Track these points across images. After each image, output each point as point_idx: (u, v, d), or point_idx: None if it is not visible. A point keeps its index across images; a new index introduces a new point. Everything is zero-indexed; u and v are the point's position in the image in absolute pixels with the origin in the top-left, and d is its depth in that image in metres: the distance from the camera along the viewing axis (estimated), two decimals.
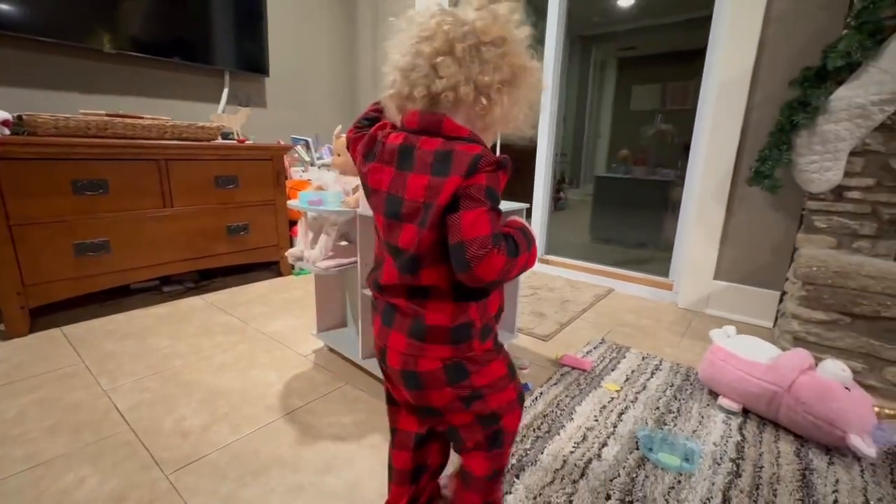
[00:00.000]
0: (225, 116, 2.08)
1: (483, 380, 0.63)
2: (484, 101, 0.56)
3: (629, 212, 3.38)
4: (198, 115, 2.27)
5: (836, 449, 1.01)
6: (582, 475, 0.91)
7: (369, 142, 0.63)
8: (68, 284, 1.58)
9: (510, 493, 0.86)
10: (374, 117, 0.71)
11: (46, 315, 1.65)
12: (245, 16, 2.32)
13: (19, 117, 1.48)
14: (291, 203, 1.24)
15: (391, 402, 0.75)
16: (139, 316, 1.71)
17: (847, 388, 1.02)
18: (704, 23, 1.84)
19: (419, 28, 0.57)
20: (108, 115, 1.66)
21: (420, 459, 0.74)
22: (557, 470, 0.92)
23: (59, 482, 0.87)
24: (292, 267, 2.30)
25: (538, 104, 0.63)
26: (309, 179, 2.40)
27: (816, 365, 1.09)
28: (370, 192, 0.63)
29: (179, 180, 1.81)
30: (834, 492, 0.89)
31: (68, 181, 1.53)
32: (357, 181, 1.24)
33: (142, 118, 1.74)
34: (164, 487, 0.87)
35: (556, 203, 3.45)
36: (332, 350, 1.44)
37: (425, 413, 0.69)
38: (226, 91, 2.37)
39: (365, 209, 1.13)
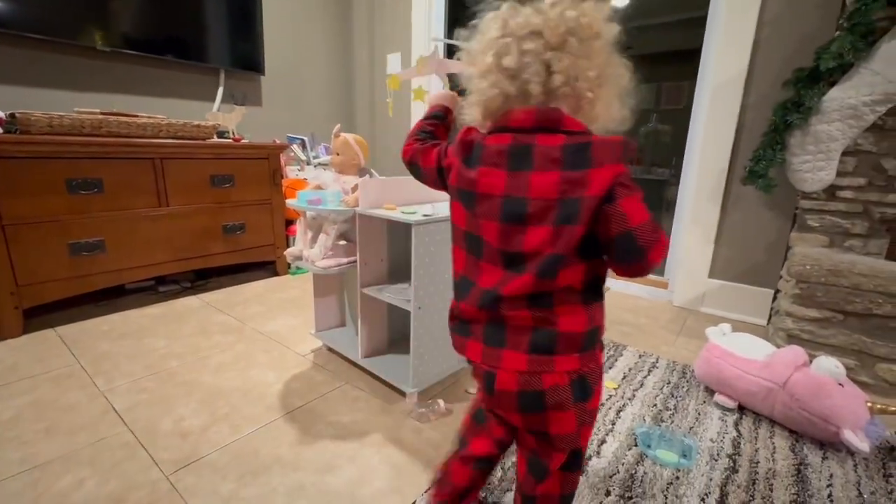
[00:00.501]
0: (220, 115, 2.07)
1: (597, 401, 0.60)
2: (590, 94, 0.55)
3: None
4: (193, 113, 2.25)
5: (830, 444, 1.02)
6: (582, 472, 0.92)
7: (466, 147, 0.59)
8: (62, 285, 1.56)
9: (511, 490, 0.86)
10: (431, 130, 0.72)
11: (40, 316, 1.63)
12: (239, 13, 2.31)
13: (12, 115, 1.46)
14: (291, 202, 1.24)
15: (479, 419, 0.68)
16: (135, 316, 1.69)
17: (840, 384, 1.04)
18: (700, 23, 1.85)
19: (519, 27, 0.55)
20: (102, 113, 1.64)
21: (476, 480, 0.69)
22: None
23: (56, 484, 0.87)
24: (289, 266, 2.29)
25: (628, 99, 0.61)
26: (305, 178, 2.39)
27: (810, 362, 1.10)
28: (478, 199, 0.57)
29: (175, 179, 1.80)
30: (828, 486, 0.91)
31: (62, 180, 1.52)
32: (356, 180, 1.24)
33: (137, 116, 1.72)
34: (165, 488, 0.86)
35: None
36: (330, 350, 1.44)
37: (538, 437, 0.62)
38: (221, 89, 2.36)
39: (365, 208, 1.13)
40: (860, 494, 0.89)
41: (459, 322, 0.61)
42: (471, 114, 0.62)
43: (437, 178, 0.65)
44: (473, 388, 1.23)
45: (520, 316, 0.55)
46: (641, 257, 0.51)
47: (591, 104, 0.56)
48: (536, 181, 0.53)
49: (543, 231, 0.53)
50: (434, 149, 0.66)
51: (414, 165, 0.69)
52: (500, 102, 0.57)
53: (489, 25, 0.58)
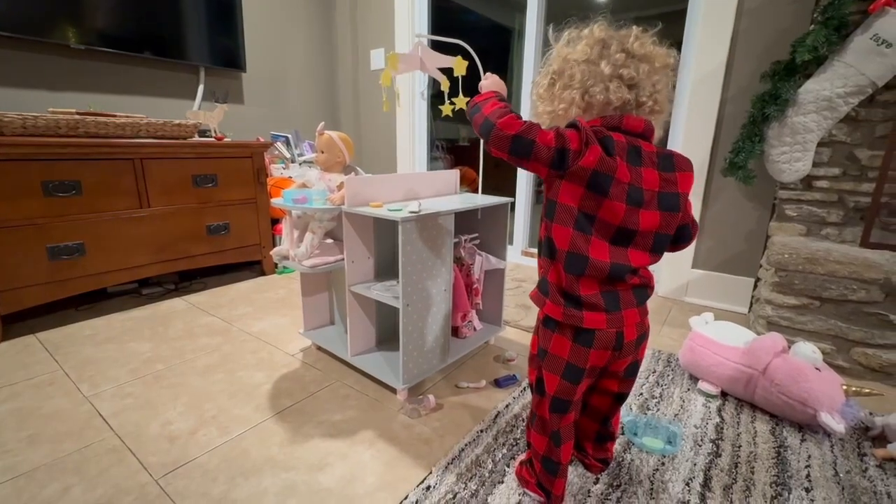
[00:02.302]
0: (201, 113, 2.04)
1: None
2: (664, 115, 0.74)
3: None
4: (173, 112, 2.21)
5: (809, 426, 1.06)
6: (571, 463, 0.94)
7: (601, 138, 0.67)
8: (42, 289, 1.53)
9: (502, 482, 0.88)
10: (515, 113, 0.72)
11: (20, 321, 1.60)
12: (219, 9, 2.26)
13: None
14: (276, 201, 1.23)
15: (562, 409, 0.77)
16: (118, 320, 1.67)
17: (818, 368, 1.07)
18: (680, 17, 1.87)
19: (634, 49, 0.69)
20: (78, 113, 1.60)
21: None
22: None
23: (42, 493, 0.85)
24: (276, 266, 2.27)
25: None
26: (290, 177, 2.37)
27: (789, 348, 1.14)
28: (614, 183, 0.65)
29: (156, 180, 1.76)
30: (807, 467, 0.94)
31: (39, 182, 1.48)
32: (341, 178, 1.24)
33: (115, 116, 1.68)
34: (155, 492, 0.86)
35: (539, 196, 3.48)
36: (319, 348, 1.43)
37: (629, 370, 0.80)
38: (201, 87, 2.32)
39: (351, 206, 1.12)
40: (836, 473, 0.92)
41: (579, 299, 0.70)
42: (570, 107, 0.72)
43: (554, 157, 0.66)
44: (464, 382, 1.24)
45: (633, 282, 0.71)
46: (690, 241, 0.78)
47: (658, 121, 0.73)
48: (647, 176, 0.67)
49: (655, 216, 0.68)
50: (548, 129, 0.68)
51: (524, 140, 0.67)
52: (615, 106, 0.69)
53: (600, 37, 0.70)
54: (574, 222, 0.68)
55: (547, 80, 0.75)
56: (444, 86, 1.40)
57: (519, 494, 0.85)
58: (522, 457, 0.92)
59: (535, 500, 0.83)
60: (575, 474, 0.90)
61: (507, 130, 0.67)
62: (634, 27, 0.71)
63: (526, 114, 2.40)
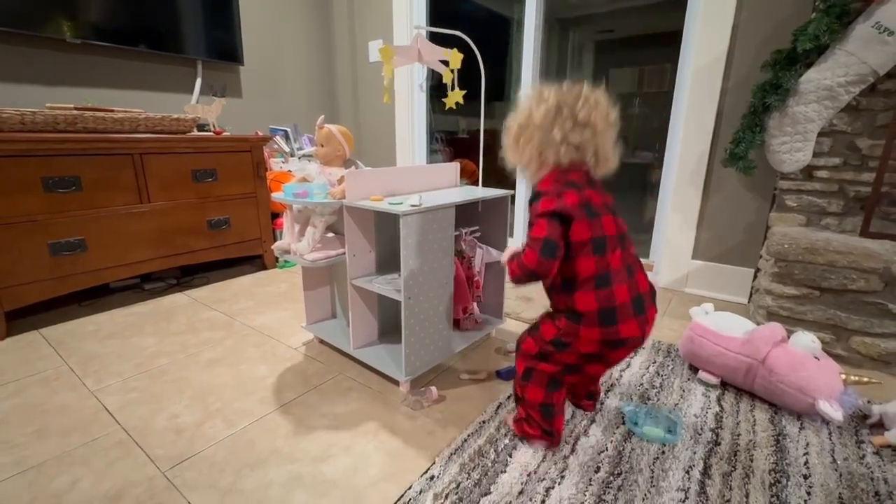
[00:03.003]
0: (199, 107, 2.02)
1: None
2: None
3: (609, 194, 3.42)
4: (171, 106, 2.20)
5: (807, 415, 1.07)
6: (572, 451, 0.95)
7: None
8: (44, 286, 1.53)
9: (505, 471, 0.89)
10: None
11: (23, 318, 1.60)
12: (215, 1, 2.24)
13: None
14: (277, 196, 1.23)
15: (554, 385, 0.91)
16: (121, 315, 1.67)
17: (817, 357, 1.08)
18: (680, 5, 1.86)
19: (580, 116, 0.82)
20: (76, 108, 1.60)
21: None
22: (549, 447, 0.96)
23: (52, 485, 0.87)
24: (276, 260, 2.27)
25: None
26: (290, 171, 2.36)
27: (788, 337, 1.15)
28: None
29: (155, 175, 1.76)
30: (805, 454, 0.95)
31: (38, 179, 1.48)
32: (342, 171, 1.24)
33: (113, 111, 1.68)
34: (162, 484, 0.87)
35: None
36: (322, 341, 1.44)
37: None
38: (199, 81, 2.30)
39: (352, 200, 1.12)
40: (834, 461, 0.93)
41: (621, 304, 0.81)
42: (530, 162, 0.87)
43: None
44: (466, 374, 1.25)
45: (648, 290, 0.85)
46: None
47: (602, 171, 0.88)
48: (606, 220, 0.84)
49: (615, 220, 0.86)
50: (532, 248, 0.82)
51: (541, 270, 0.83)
52: (564, 164, 0.84)
53: (554, 103, 0.82)
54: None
55: (514, 132, 0.88)
56: (447, 77, 1.39)
57: (521, 484, 0.86)
58: (515, 415, 1.00)
59: (542, 446, 0.95)
60: (576, 463, 0.92)
61: (531, 262, 0.81)
62: (584, 88, 0.84)
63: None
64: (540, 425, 0.93)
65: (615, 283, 0.80)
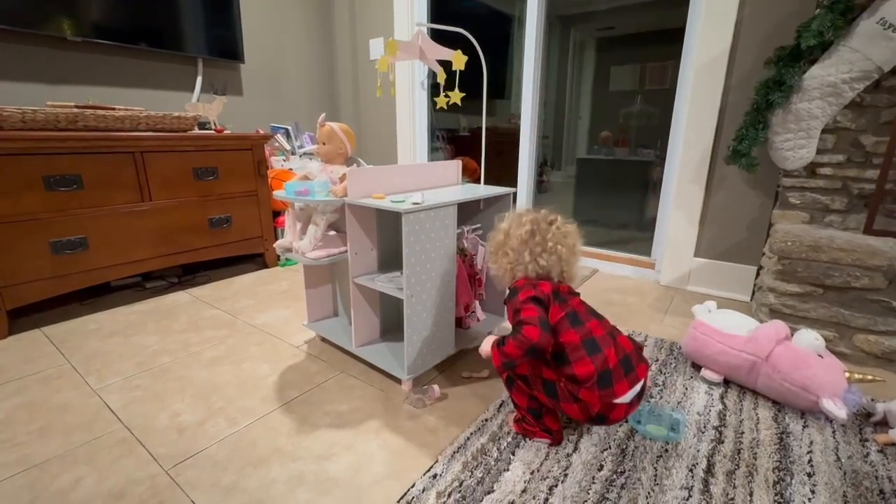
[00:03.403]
0: (200, 105, 2.02)
1: None
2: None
3: (611, 193, 3.43)
4: (172, 104, 2.20)
5: (811, 413, 1.07)
6: (575, 449, 0.95)
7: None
8: (46, 284, 1.53)
9: (508, 470, 0.89)
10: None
11: (25, 316, 1.61)
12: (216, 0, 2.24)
13: None
14: (278, 194, 1.22)
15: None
16: (123, 313, 1.67)
17: (820, 355, 1.08)
18: (682, 2, 1.85)
19: (549, 246, 0.95)
20: (77, 106, 1.59)
21: None
22: (551, 445, 0.96)
23: (55, 483, 0.87)
24: (278, 258, 2.27)
25: None
26: (291, 169, 2.36)
27: (792, 335, 1.14)
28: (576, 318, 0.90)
29: (157, 173, 1.76)
30: (808, 452, 0.95)
31: (39, 177, 1.48)
32: (343, 169, 1.23)
33: (114, 109, 1.67)
34: (165, 482, 0.87)
35: (540, 187, 3.48)
36: (324, 340, 1.44)
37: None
38: (199, 79, 2.30)
39: (353, 198, 1.12)
40: (838, 458, 0.93)
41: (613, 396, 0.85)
42: (505, 274, 0.99)
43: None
44: (468, 372, 1.25)
45: (633, 350, 0.90)
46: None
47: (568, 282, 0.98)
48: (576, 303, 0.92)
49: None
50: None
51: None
52: (533, 277, 0.95)
53: (529, 228, 0.96)
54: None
55: (495, 244, 1.01)
56: (440, 77, 1.39)
57: (524, 482, 0.86)
58: (516, 415, 1.02)
59: (540, 444, 0.97)
60: (579, 461, 0.91)
61: (533, 336, 0.85)
62: (559, 219, 0.98)
63: (528, 109, 2.39)
64: (535, 424, 0.96)
65: (604, 347, 0.85)
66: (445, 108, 1.39)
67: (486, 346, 0.92)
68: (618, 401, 0.84)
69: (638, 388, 0.87)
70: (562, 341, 0.85)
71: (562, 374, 0.86)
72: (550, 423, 0.95)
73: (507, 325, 0.98)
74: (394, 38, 2.65)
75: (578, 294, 0.95)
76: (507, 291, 0.96)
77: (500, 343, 0.87)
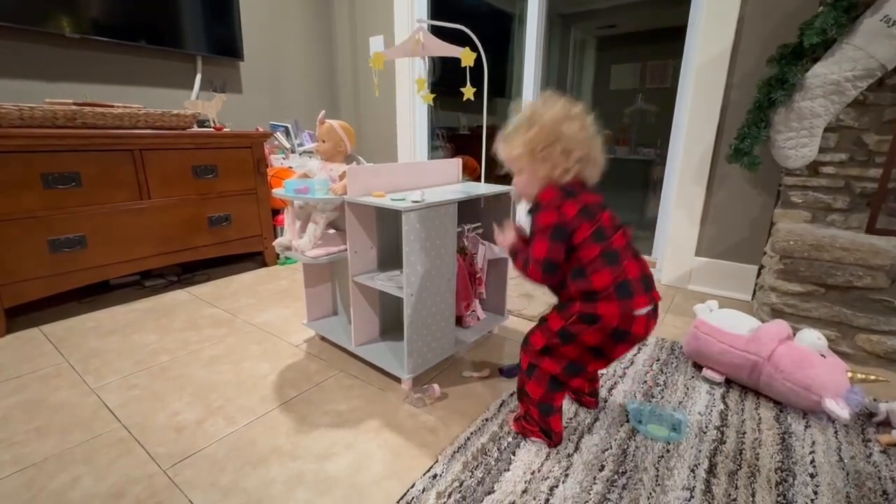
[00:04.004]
0: (199, 103, 2.01)
1: None
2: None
3: (611, 192, 3.41)
4: (171, 102, 2.19)
5: (813, 413, 1.06)
6: (576, 449, 0.94)
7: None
8: (44, 282, 1.53)
9: (508, 470, 0.88)
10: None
11: (23, 315, 1.60)
12: None
13: None
14: (278, 192, 1.22)
15: (597, 356, 0.88)
16: (122, 312, 1.67)
17: (823, 355, 1.07)
18: (684, 0, 1.84)
19: (589, 130, 0.85)
20: (75, 103, 1.58)
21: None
22: (549, 447, 0.95)
23: (52, 483, 0.86)
24: (277, 256, 2.27)
25: None
26: (291, 167, 2.35)
27: (794, 335, 1.14)
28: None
29: (155, 171, 1.75)
30: (811, 453, 0.94)
31: (37, 175, 1.47)
32: (343, 167, 1.23)
33: (112, 106, 1.66)
34: (163, 482, 0.86)
35: None
36: (323, 339, 1.43)
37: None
38: (199, 76, 2.29)
39: (353, 196, 1.11)
40: (840, 459, 0.93)
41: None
42: (542, 181, 0.86)
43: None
44: (469, 371, 1.25)
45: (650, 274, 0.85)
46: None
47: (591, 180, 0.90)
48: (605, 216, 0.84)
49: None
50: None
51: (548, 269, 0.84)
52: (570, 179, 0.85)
53: (575, 126, 0.83)
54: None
55: (528, 145, 0.84)
56: (420, 82, 1.39)
57: (525, 483, 0.85)
58: (517, 413, 1.01)
59: (540, 444, 0.95)
60: (580, 462, 0.91)
61: (534, 277, 0.84)
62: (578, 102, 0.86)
63: (529, 104, 2.38)
64: (538, 423, 0.94)
65: (623, 259, 0.81)
66: (432, 103, 1.40)
67: (506, 243, 0.92)
68: (637, 312, 0.80)
69: (655, 306, 0.84)
70: (580, 256, 0.81)
71: (578, 291, 0.82)
72: (555, 424, 0.93)
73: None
74: (393, 36, 2.64)
75: (607, 207, 0.86)
76: (532, 203, 0.87)
77: (512, 252, 0.90)
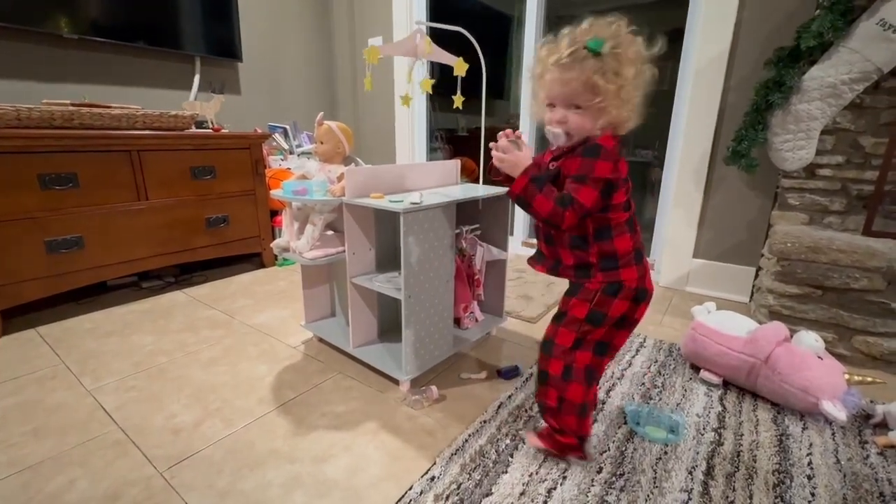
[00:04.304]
0: (197, 104, 2.01)
1: None
2: None
3: None
4: (169, 103, 2.19)
5: (810, 415, 1.06)
6: None
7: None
8: (41, 283, 1.52)
9: (506, 472, 0.88)
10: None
11: (20, 316, 1.59)
12: None
13: None
14: (276, 193, 1.21)
15: (621, 326, 0.85)
16: (119, 313, 1.66)
17: (820, 357, 1.07)
18: (682, 3, 1.85)
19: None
20: (73, 104, 1.58)
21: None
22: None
23: (48, 485, 0.85)
24: (275, 258, 2.26)
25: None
26: (289, 168, 2.35)
27: (791, 337, 1.14)
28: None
29: (153, 172, 1.75)
30: (808, 454, 0.95)
31: (34, 175, 1.46)
32: (341, 169, 1.23)
33: (110, 107, 1.66)
34: (160, 485, 0.86)
35: None
36: (321, 340, 1.43)
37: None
38: (197, 77, 2.29)
39: (352, 197, 1.11)
40: (838, 461, 0.93)
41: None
42: (601, 123, 0.76)
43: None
44: (467, 373, 1.24)
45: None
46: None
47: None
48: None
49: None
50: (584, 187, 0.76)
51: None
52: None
53: (636, 61, 0.73)
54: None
55: (628, 78, 0.72)
56: (425, 84, 1.39)
57: (523, 485, 0.85)
58: (542, 430, 0.94)
59: (578, 459, 0.91)
60: (578, 465, 0.91)
61: (569, 223, 0.75)
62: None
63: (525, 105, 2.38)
64: (575, 433, 0.87)
65: (637, 228, 0.83)
66: (407, 105, 1.40)
67: (520, 161, 0.78)
68: (650, 273, 0.83)
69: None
70: (609, 216, 0.78)
71: (599, 254, 0.80)
72: (589, 427, 0.89)
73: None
74: (392, 37, 2.64)
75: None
76: (589, 142, 0.75)
77: (534, 179, 0.75)
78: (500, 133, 0.84)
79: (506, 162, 0.81)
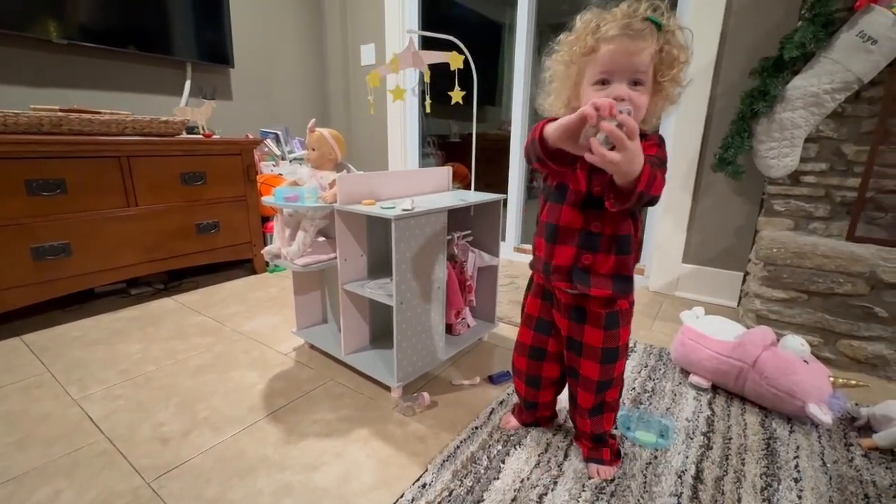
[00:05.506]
0: (189, 110, 2.00)
1: None
2: None
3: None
4: (159, 108, 2.17)
5: (797, 418, 1.08)
6: (565, 457, 0.95)
7: None
8: (27, 291, 1.50)
9: (498, 478, 0.88)
10: None
11: (5, 324, 1.56)
12: (205, 2, 2.22)
13: None
14: (267, 199, 1.21)
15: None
16: (107, 320, 1.64)
17: (806, 361, 1.09)
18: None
19: None
20: (61, 110, 1.57)
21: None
22: (542, 454, 0.96)
23: (33, 497, 0.84)
24: (267, 264, 2.25)
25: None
26: (281, 174, 2.34)
27: (778, 341, 1.16)
28: None
29: (143, 178, 1.73)
30: (795, 457, 0.96)
31: (21, 181, 1.45)
32: (333, 175, 1.23)
33: (100, 113, 1.65)
34: (147, 495, 0.85)
35: (530, 192, 3.50)
36: (313, 347, 1.43)
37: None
38: (188, 83, 2.28)
39: (343, 204, 1.11)
40: (824, 463, 0.94)
41: None
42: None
43: None
44: (459, 379, 1.25)
45: None
46: None
47: None
48: None
49: None
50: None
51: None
52: None
53: (684, 48, 0.71)
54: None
55: (683, 58, 0.69)
56: (426, 76, 1.40)
57: (514, 491, 0.85)
58: (614, 467, 0.91)
59: (615, 471, 0.90)
60: (571, 469, 0.91)
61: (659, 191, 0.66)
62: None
63: (520, 119, 2.40)
64: (617, 443, 0.94)
65: None
66: (395, 100, 1.41)
67: (638, 149, 0.58)
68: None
69: None
70: (638, 214, 0.80)
71: (631, 227, 0.77)
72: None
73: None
74: (384, 44, 2.65)
75: None
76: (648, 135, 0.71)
77: (651, 163, 0.64)
78: (597, 106, 0.55)
79: (627, 154, 0.56)
